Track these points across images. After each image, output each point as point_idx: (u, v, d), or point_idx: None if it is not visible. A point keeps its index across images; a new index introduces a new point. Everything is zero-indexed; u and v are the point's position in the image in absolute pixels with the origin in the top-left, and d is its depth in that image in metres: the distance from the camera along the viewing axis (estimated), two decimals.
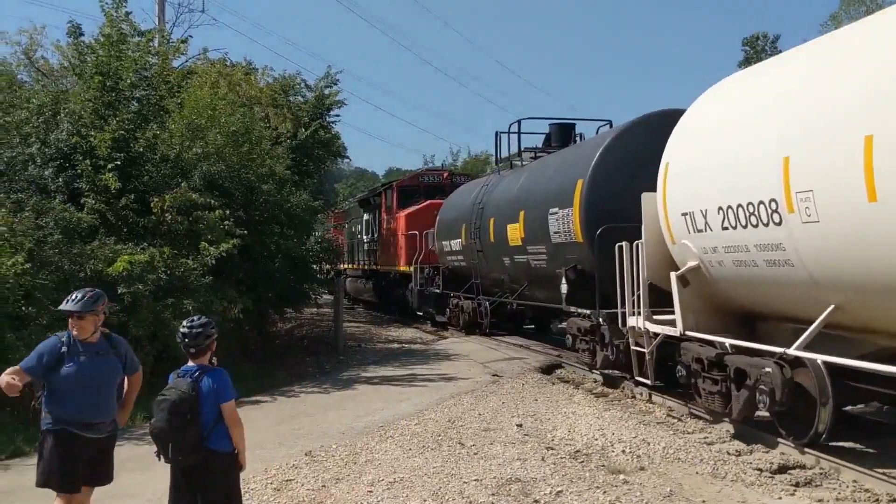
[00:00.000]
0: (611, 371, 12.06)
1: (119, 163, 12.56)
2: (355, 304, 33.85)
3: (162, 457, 4.78)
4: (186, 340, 4.86)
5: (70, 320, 5.15)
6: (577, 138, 16.98)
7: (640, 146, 11.40)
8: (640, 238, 10.22)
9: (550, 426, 9.24)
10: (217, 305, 12.11)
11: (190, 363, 4.90)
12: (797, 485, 6.91)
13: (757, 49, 49.55)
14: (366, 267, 29.31)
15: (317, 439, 8.85)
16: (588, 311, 12.06)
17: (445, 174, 25.89)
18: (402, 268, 23.38)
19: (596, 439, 8.51)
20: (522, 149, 17.47)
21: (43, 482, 5.11)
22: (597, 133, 15.10)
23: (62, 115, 13.23)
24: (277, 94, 21.30)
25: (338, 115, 24.61)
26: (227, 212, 13.01)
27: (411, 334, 21.07)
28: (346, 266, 32.29)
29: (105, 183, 12.26)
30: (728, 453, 7.83)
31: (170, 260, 11.89)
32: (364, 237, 29.81)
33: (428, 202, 23.31)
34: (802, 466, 7.39)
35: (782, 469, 7.29)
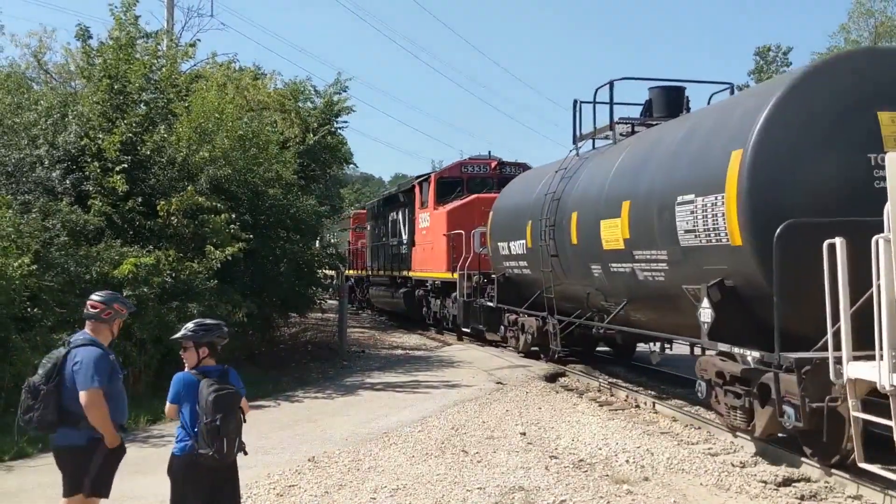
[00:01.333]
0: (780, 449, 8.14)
1: (126, 165, 12.60)
2: (380, 316, 30.00)
3: (220, 454, 4.65)
4: (201, 333, 4.87)
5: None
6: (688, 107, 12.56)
7: (836, 98, 7.69)
8: (876, 232, 6.10)
9: (554, 435, 9.21)
10: (222, 309, 12.12)
11: (189, 368, 4.90)
12: (802, 498, 6.87)
13: (768, 60, 49.50)
14: (394, 273, 25.18)
15: (320, 445, 8.84)
16: (754, 354, 7.84)
17: (493, 163, 21.32)
18: (443, 274, 19.68)
19: (600, 448, 8.48)
20: (616, 120, 12.51)
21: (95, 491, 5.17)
22: (709, 102, 11.86)
23: (70, 117, 13.29)
24: (286, 100, 21.34)
25: (346, 122, 24.64)
26: (233, 216, 13.03)
27: (416, 341, 21.04)
28: (366, 272, 29.86)
29: (112, 185, 12.30)
30: (732, 465, 7.79)
31: (175, 263, 11.91)
32: (391, 239, 26.03)
33: (473, 196, 19.76)
34: (808, 479, 7.35)
35: (787, 482, 7.25)
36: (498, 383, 12.82)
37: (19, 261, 9.88)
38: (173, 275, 11.73)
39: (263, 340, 16.70)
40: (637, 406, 11.11)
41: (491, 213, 17.02)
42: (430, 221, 20.93)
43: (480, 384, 12.80)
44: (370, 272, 29.09)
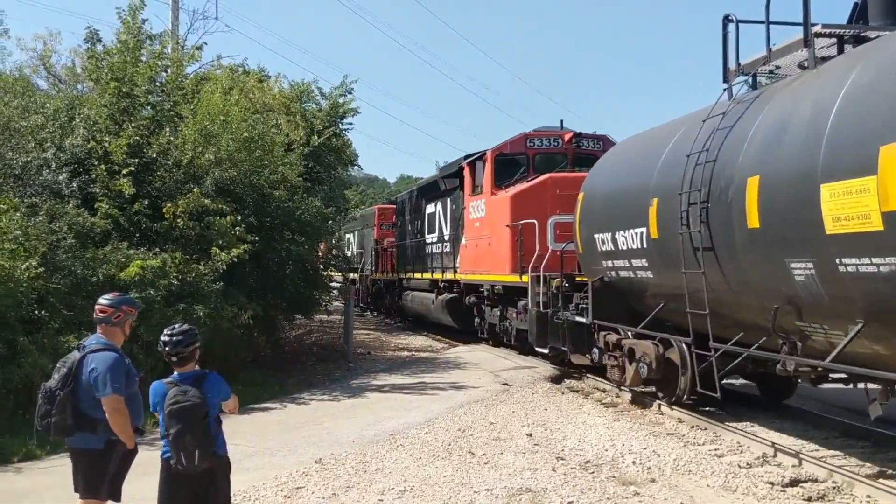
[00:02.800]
0: None
1: (133, 168, 12.64)
2: (416, 327, 25.07)
3: (182, 465, 4.65)
4: (167, 349, 4.78)
5: None
6: None
7: None
8: None
9: (560, 436, 9.21)
10: (227, 311, 12.14)
11: (176, 372, 4.84)
12: (809, 499, 6.87)
13: None
14: (438, 277, 20.63)
15: (327, 447, 8.85)
16: None
17: (567, 135, 16.75)
18: (505, 277, 15.70)
19: (606, 450, 8.48)
20: (814, 31, 8.26)
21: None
22: None
23: (77, 120, 13.33)
24: (291, 102, 21.36)
25: (351, 124, 24.65)
26: (239, 217, 13.05)
27: (421, 342, 21.05)
28: (396, 275, 25.97)
29: (119, 188, 12.33)
30: (739, 466, 7.78)
31: (181, 265, 11.93)
32: (427, 236, 22.33)
33: (545, 176, 15.59)
34: (815, 480, 7.34)
35: (794, 482, 7.25)
36: (504, 384, 12.82)
37: (27, 263, 9.92)
38: (179, 277, 11.75)
39: (269, 342, 16.72)
40: (643, 408, 11.10)
41: (581, 197, 12.49)
42: (487, 210, 16.85)
43: (487, 385, 12.80)
44: (403, 275, 24.93)
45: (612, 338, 11.52)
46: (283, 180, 15.64)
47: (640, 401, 11.28)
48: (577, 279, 13.31)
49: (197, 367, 4.93)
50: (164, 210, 12.62)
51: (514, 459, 8.11)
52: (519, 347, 16.13)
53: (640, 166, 10.74)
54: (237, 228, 12.80)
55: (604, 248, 11.49)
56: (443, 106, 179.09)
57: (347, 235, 34.19)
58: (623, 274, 11.12)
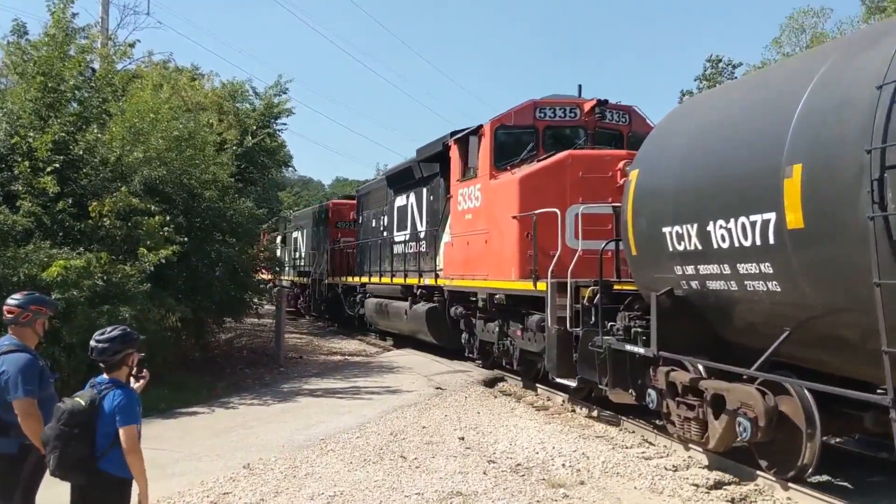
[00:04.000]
0: None
1: (58, 165, 12.24)
2: (384, 337, 21.70)
3: (49, 466, 4.44)
4: (94, 354, 4.54)
5: None
6: None
7: None
8: None
9: (492, 439, 9.25)
10: (155, 313, 11.86)
11: (104, 375, 4.58)
12: (732, 500, 7.04)
13: (718, 70, 50.86)
14: (413, 282, 17.25)
15: (256, 452, 8.70)
16: None
17: (588, 105, 13.19)
18: (511, 284, 12.29)
19: (537, 453, 8.55)
20: None
21: None
22: None
23: (0, 114, 12.85)
24: (224, 101, 21.04)
25: (285, 124, 24.40)
26: (168, 218, 12.76)
27: (355, 346, 20.91)
28: (357, 279, 22.34)
29: (43, 186, 11.93)
30: (665, 468, 7.94)
31: (107, 266, 11.60)
32: (397, 234, 19.03)
33: (564, 154, 12.15)
34: (738, 483, 7.53)
35: (718, 485, 7.42)
36: (437, 388, 12.82)
37: None
38: (104, 278, 11.42)
39: (198, 345, 16.40)
40: (573, 410, 11.24)
41: (634, 176, 8.96)
42: (484, 198, 13.48)
43: (420, 389, 12.79)
44: (365, 279, 21.32)
45: (682, 376, 8.30)
46: (214, 180, 15.37)
47: (572, 403, 11.42)
48: (616, 288, 10.20)
49: (140, 375, 4.75)
50: (90, 209, 12.25)
51: (445, 463, 8.11)
52: (521, 372, 13.21)
53: (757, 121, 7.11)
54: (166, 229, 12.52)
55: (680, 248, 7.85)
56: (382, 110, 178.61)
57: (295, 234, 32.46)
58: (714, 285, 7.50)
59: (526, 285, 11.67)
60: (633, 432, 9.70)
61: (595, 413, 10.78)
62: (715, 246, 7.31)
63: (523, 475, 7.68)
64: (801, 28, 42.54)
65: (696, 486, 7.34)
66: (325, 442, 9.11)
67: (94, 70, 15.05)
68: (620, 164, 11.41)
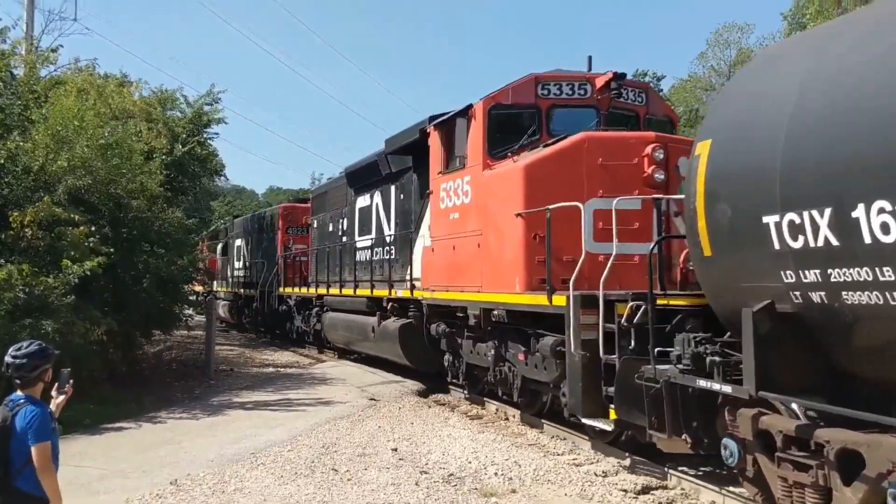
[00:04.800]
0: None
1: None
2: (343, 356, 19.50)
3: None
4: (9, 371, 4.38)
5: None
6: None
7: None
8: None
9: (426, 449, 9.25)
10: (79, 326, 11.52)
11: (18, 392, 4.42)
12: None
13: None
14: (383, 294, 14.91)
15: (184, 467, 8.53)
16: None
17: (601, 80, 10.85)
18: (515, 297, 9.97)
19: (469, 462, 8.58)
20: None
21: None
22: None
23: None
24: (152, 108, 20.59)
25: (217, 133, 23.96)
26: (93, 228, 12.44)
27: (288, 358, 20.65)
28: (315, 290, 19.75)
29: None
30: (595, 475, 8.05)
31: (29, 277, 11.22)
32: (360, 238, 17.05)
33: (580, 136, 9.84)
34: (665, 487, 7.69)
35: (646, 490, 7.57)
36: (371, 399, 12.77)
37: None
38: (26, 290, 11.05)
39: (125, 359, 15.97)
40: (506, 419, 11.32)
41: (702, 152, 6.65)
42: (475, 193, 11.20)
43: (353, 401, 12.71)
44: (323, 290, 18.87)
45: (782, 423, 6.11)
46: (142, 190, 15.03)
47: (503, 413, 11.50)
48: (664, 303, 7.73)
49: (62, 391, 4.60)
50: (11, 219, 11.86)
51: (378, 475, 8.08)
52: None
53: None
54: (91, 240, 12.20)
55: (795, 245, 5.60)
56: (317, 119, 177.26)
57: (238, 242, 30.28)
58: (855, 298, 5.27)
59: (536, 299, 9.34)
60: (565, 439, 9.82)
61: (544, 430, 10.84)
62: (866, 240, 5.02)
63: (455, 485, 7.70)
64: (727, 43, 43.91)
65: (625, 491, 7.47)
66: (255, 456, 8.98)
67: (14, 75, 14.58)
68: (648, 149, 9.38)
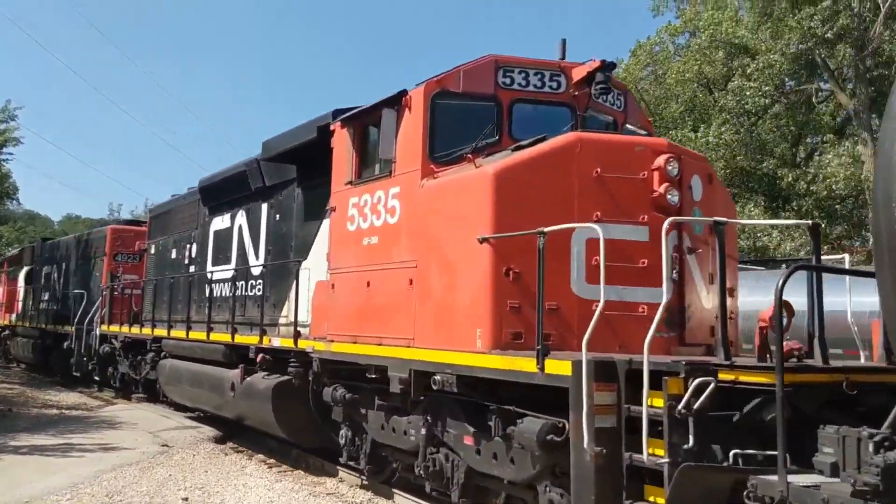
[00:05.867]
0: None
1: None
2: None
3: None
4: None
5: None
6: None
7: None
8: None
9: (219, 499, 8.97)
10: None
11: None
12: None
13: None
14: (251, 341, 11.42)
15: None
16: None
17: (576, 72, 8.38)
18: (479, 358, 6.88)
19: None
20: None
21: None
22: None
23: None
24: None
25: (11, 154, 22.36)
26: None
27: (75, 399, 19.28)
28: (143, 331, 16.48)
29: None
30: None
31: None
32: (217, 269, 13.85)
33: (571, 137, 7.31)
34: None
35: None
36: (164, 446, 12.19)
37: None
38: None
39: None
40: (306, 467, 11.17)
41: None
42: (407, 209, 8.30)
43: (144, 447, 12.08)
44: (162, 331, 15.30)
45: None
46: None
47: (304, 460, 11.34)
48: (723, 377, 5.30)
49: None
50: None
51: None
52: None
53: None
54: None
55: None
56: (123, 147, 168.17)
57: (48, 270, 26.20)
58: None
59: (516, 363, 6.41)
60: (366, 488, 9.80)
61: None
62: None
63: None
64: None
65: None
66: None
67: None
68: (660, 161, 6.95)
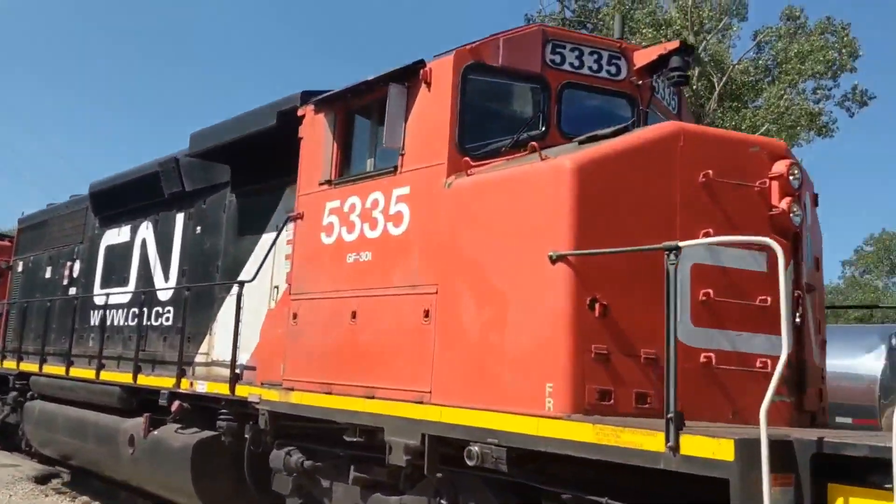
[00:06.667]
0: None
1: None
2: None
3: None
4: None
5: None
6: None
7: None
8: None
9: None
10: None
11: None
12: None
13: None
14: (161, 384, 9.00)
15: None
16: None
17: (638, 56, 6.60)
18: (547, 425, 4.69)
19: None
20: None
21: None
22: None
23: None
24: None
25: None
26: None
27: None
28: (10, 365, 13.70)
29: None
30: None
31: None
32: (112, 290, 11.22)
33: (669, 127, 5.45)
34: None
35: None
36: None
37: None
38: None
39: None
40: None
41: None
42: (418, 217, 6.10)
43: None
44: (36, 367, 12.39)
45: None
46: None
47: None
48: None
49: None
50: None
51: None
52: None
53: None
54: None
55: None
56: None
57: None
58: None
59: (618, 436, 4.31)
60: None
61: None
62: None
63: None
64: None
65: None
66: None
67: None
68: (781, 168, 5.31)
